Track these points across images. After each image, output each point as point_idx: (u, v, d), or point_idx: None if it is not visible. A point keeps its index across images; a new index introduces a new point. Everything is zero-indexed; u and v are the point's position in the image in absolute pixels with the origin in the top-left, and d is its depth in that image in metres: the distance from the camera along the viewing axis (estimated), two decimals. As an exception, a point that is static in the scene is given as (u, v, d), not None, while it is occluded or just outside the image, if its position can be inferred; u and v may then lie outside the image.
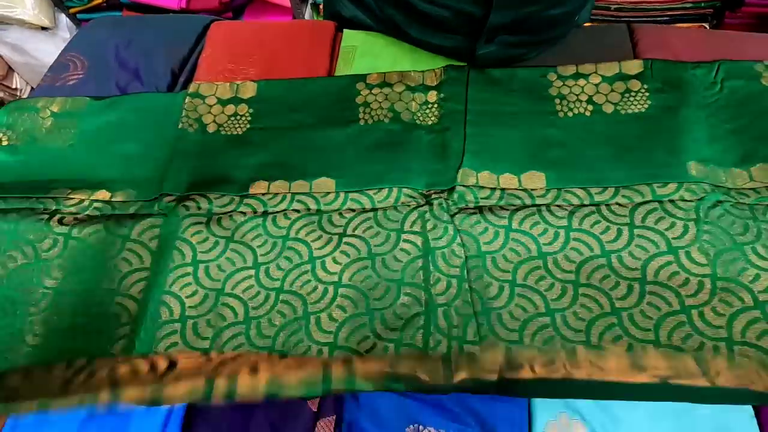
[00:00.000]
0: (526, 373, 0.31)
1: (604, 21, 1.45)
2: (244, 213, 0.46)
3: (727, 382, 0.30)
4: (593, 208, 0.43)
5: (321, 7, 1.54)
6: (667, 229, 0.41)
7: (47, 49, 1.54)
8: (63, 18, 1.55)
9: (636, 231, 0.42)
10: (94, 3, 1.50)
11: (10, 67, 1.65)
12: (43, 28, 1.50)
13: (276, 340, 0.39)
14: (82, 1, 1.48)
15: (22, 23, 1.45)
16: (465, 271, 0.41)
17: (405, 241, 0.43)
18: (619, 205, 0.43)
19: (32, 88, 1.74)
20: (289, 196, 0.46)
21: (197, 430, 0.37)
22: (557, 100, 0.50)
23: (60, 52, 0.60)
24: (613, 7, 1.40)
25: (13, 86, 1.68)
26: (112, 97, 0.54)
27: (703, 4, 1.39)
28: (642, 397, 0.34)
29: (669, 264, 0.40)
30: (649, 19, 1.41)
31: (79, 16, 1.55)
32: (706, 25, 1.48)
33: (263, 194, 0.47)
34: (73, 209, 0.47)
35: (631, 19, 1.41)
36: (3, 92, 1.66)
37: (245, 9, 1.61)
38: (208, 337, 0.39)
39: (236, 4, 1.60)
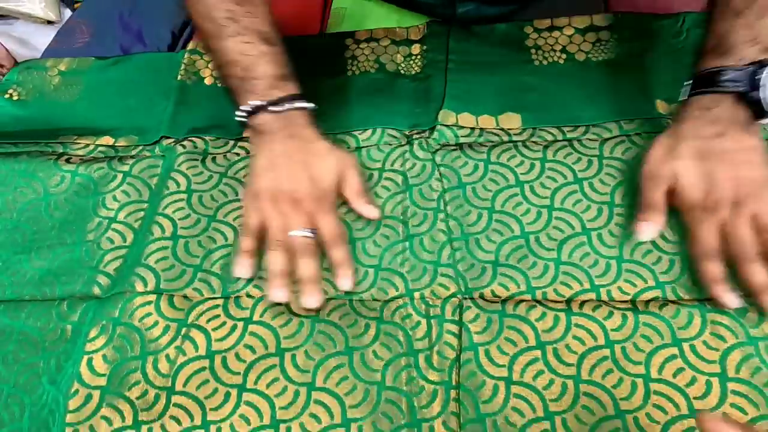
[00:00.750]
0: None
1: None
2: (237, 154, 0.49)
3: None
4: (566, 143, 0.46)
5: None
6: (632, 158, 0.44)
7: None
8: (67, 12, 1.60)
9: (605, 161, 0.44)
10: (99, -2, 1.54)
11: (15, 61, 1.71)
12: (49, 22, 1.55)
13: (263, 259, 0.41)
14: (87, -3, 1.54)
15: (28, 17, 1.51)
16: (441, 203, 0.44)
17: (386, 178, 0.46)
18: (590, 140, 0.46)
19: (38, 82, 1.80)
20: (280, 139, 0.50)
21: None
22: (533, 51, 0.53)
23: (68, 19, 0.64)
24: None
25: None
26: (117, 57, 0.58)
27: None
28: None
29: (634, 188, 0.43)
30: None
31: (84, 10, 1.60)
32: None
33: (255, 137, 0.50)
34: (79, 152, 0.50)
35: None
36: (10, 86, 1.72)
37: None
38: (198, 255, 0.42)
39: None
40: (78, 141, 0.51)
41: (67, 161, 0.48)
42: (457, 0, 0.53)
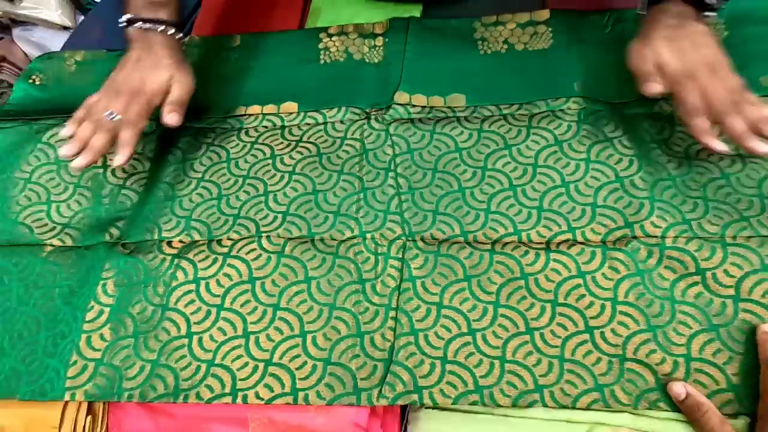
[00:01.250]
0: None
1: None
2: (224, 129, 0.57)
3: None
4: (501, 117, 0.54)
5: None
6: (555, 128, 0.52)
7: (67, 49, 1.71)
8: (81, 19, 1.72)
9: (532, 131, 0.53)
10: (111, 6, 1.65)
11: (33, 66, 1.82)
12: (65, 28, 1.67)
13: (241, 210, 0.50)
14: (100, 5, 1.65)
15: (46, 23, 1.62)
16: (392, 164, 0.52)
17: (347, 145, 0.54)
18: (521, 114, 0.54)
19: (53, 85, 1.91)
20: (260, 116, 0.58)
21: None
22: (480, 42, 0.61)
23: (84, 19, 0.73)
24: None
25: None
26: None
27: None
28: None
29: (555, 152, 0.51)
30: None
31: (97, 17, 1.71)
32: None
33: (241, 115, 0.59)
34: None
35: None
36: (26, 89, 1.83)
37: None
38: (189, 209, 0.51)
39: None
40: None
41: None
42: None
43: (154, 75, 0.51)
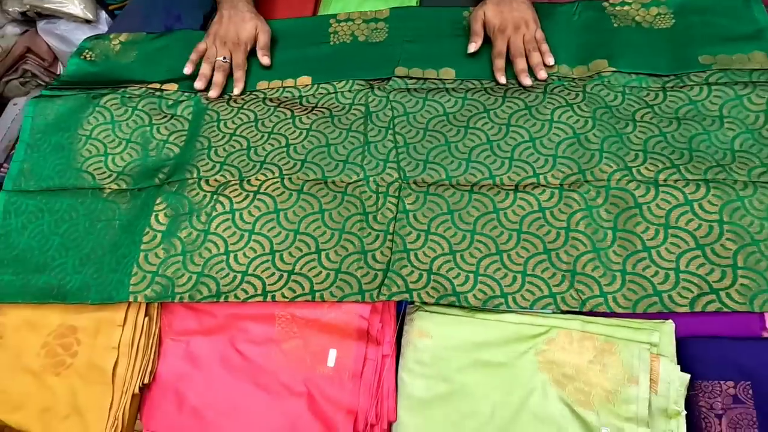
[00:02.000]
0: None
1: None
2: (252, 98, 0.68)
3: None
4: (482, 90, 0.65)
5: None
6: (526, 98, 0.63)
7: (88, 41, 1.82)
8: (102, 14, 1.83)
9: (506, 99, 0.63)
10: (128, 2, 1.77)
11: (55, 56, 1.93)
12: (87, 22, 1.78)
13: (267, 157, 0.61)
14: (119, 0, 1.77)
15: (69, 17, 1.73)
16: (391, 124, 0.63)
17: (354, 109, 0.65)
18: (499, 87, 0.65)
19: (73, 75, 2.02)
20: (281, 89, 0.69)
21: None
22: (468, 29, 0.72)
23: (125, 7, 0.84)
24: None
25: (58, 72, 1.95)
26: (162, 32, 0.78)
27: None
28: None
29: (525, 115, 0.62)
30: None
31: (116, 12, 1.82)
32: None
33: (264, 89, 0.69)
34: (136, 92, 0.69)
35: None
36: (48, 77, 1.94)
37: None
38: (222, 156, 0.62)
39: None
40: (135, 85, 0.71)
41: (129, 98, 0.68)
42: None
43: (245, 27, 0.70)
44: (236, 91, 0.68)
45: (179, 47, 0.76)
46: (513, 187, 0.57)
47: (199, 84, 0.68)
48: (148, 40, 0.77)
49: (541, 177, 0.57)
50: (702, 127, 0.58)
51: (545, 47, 0.66)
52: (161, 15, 0.80)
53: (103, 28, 1.85)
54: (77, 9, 1.72)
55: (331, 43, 0.73)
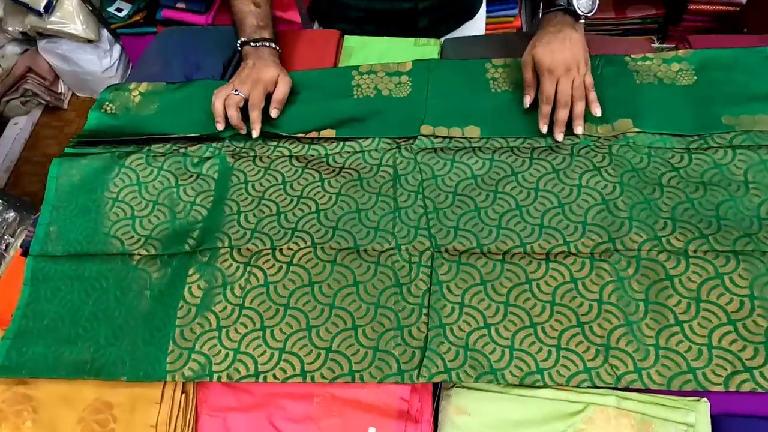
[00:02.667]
0: None
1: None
2: (277, 155, 0.68)
3: None
4: (509, 149, 0.65)
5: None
6: (553, 160, 0.63)
7: (90, 59, 1.82)
8: (105, 32, 1.82)
9: (534, 161, 0.64)
10: (133, 20, 1.76)
11: (56, 75, 1.91)
12: (89, 41, 1.76)
13: (298, 224, 0.61)
14: (122, 18, 1.75)
15: (71, 37, 1.72)
16: (420, 188, 0.63)
17: (382, 171, 0.65)
18: (525, 147, 0.65)
19: (73, 93, 2.00)
20: (307, 145, 0.69)
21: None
22: (491, 82, 0.72)
23: (143, 52, 0.83)
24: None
25: (59, 91, 1.95)
26: (182, 82, 0.77)
27: (648, 20, 1.64)
28: None
29: (553, 179, 0.62)
30: (603, 32, 1.66)
31: (119, 31, 1.82)
32: (654, 38, 1.73)
33: (290, 143, 0.69)
34: (159, 149, 0.69)
35: (589, 31, 1.66)
36: (49, 96, 1.93)
37: (262, 25, 1.85)
38: (253, 222, 0.62)
39: (254, 21, 1.84)
40: (159, 141, 0.70)
41: (154, 158, 0.67)
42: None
43: (268, 71, 0.70)
44: (254, 133, 0.67)
45: (200, 98, 0.75)
46: (544, 256, 0.57)
47: (218, 126, 0.68)
48: (168, 91, 0.77)
49: (571, 245, 0.58)
50: (728, 193, 0.59)
51: (593, 96, 0.64)
52: (180, 62, 0.80)
53: (105, 46, 1.84)
54: (79, 29, 1.71)
55: (355, 96, 0.73)
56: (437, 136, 0.67)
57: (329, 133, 0.69)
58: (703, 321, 0.52)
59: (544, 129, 0.64)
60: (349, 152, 0.67)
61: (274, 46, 0.73)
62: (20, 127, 1.84)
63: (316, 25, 1.81)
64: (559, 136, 0.64)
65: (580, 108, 0.64)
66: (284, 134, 0.69)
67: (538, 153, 0.64)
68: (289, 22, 1.72)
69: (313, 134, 0.69)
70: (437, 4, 0.84)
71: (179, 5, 1.68)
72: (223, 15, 1.71)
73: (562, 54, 0.62)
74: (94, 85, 1.91)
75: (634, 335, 0.52)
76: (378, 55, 0.78)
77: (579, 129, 0.64)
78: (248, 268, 0.58)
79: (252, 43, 0.72)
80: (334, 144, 0.68)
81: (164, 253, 0.61)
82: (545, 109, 0.64)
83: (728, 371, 0.50)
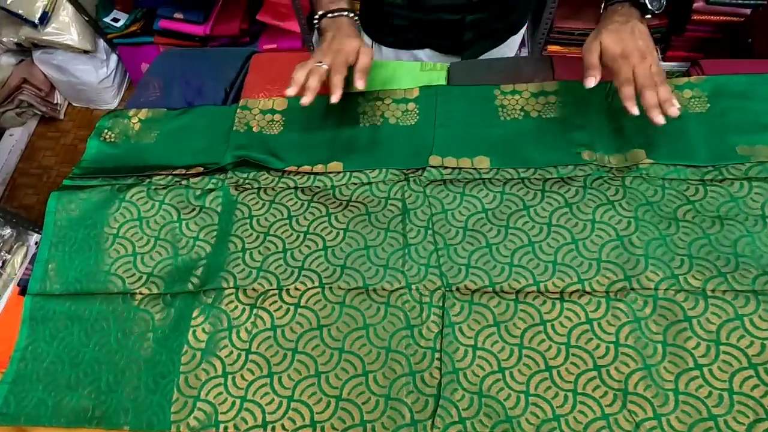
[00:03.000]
0: None
1: (568, 45, 1.69)
2: (282, 187, 0.66)
3: None
4: (519, 181, 0.64)
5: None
6: (565, 193, 0.62)
7: (86, 69, 1.79)
8: (101, 42, 1.79)
9: (546, 194, 0.62)
10: (130, 30, 1.74)
11: (52, 86, 1.88)
12: (85, 52, 1.73)
13: (304, 262, 0.59)
14: (119, 29, 1.73)
15: (67, 47, 1.69)
16: (430, 223, 0.61)
17: (390, 204, 0.63)
18: (536, 179, 0.64)
19: (70, 103, 1.97)
20: (312, 176, 0.67)
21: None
22: (500, 109, 0.71)
23: (144, 74, 0.81)
24: (576, 32, 1.64)
25: (54, 102, 1.92)
26: (183, 108, 0.75)
27: (651, 31, 1.62)
28: None
29: (566, 213, 0.61)
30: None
31: (115, 41, 1.79)
32: (657, 48, 1.72)
33: (295, 174, 0.67)
34: (161, 182, 0.67)
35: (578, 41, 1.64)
36: (45, 107, 1.90)
37: (261, 34, 1.85)
38: (258, 260, 0.60)
39: (253, 30, 1.85)
40: (160, 173, 0.68)
41: (156, 191, 0.66)
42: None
43: (349, 42, 0.66)
44: (333, 99, 0.62)
45: (202, 126, 0.74)
46: (558, 295, 0.56)
47: (290, 90, 0.63)
48: (168, 118, 0.75)
49: (586, 283, 0.57)
50: (745, 228, 0.58)
51: (667, 85, 0.59)
52: (181, 87, 0.78)
53: (102, 57, 1.82)
54: (74, 39, 1.68)
55: (361, 125, 0.71)
56: (446, 167, 0.66)
57: (337, 166, 0.67)
58: (723, 365, 0.51)
59: (635, 110, 0.58)
60: (356, 184, 0.66)
61: (351, 15, 0.71)
62: (16, 138, 1.82)
63: (315, 36, 1.79)
64: (660, 118, 0.56)
65: (665, 92, 0.58)
66: (291, 170, 0.67)
67: (550, 185, 0.63)
68: (288, 33, 1.70)
69: (320, 167, 0.67)
70: (486, 19, 0.82)
71: (177, 15, 1.66)
72: (221, 25, 1.69)
73: (633, 42, 0.59)
74: (90, 95, 1.89)
75: (652, 379, 0.51)
76: (382, 80, 0.76)
77: (674, 110, 0.57)
78: (254, 311, 0.56)
79: (330, 15, 0.70)
80: (341, 175, 0.67)
81: (167, 292, 0.59)
82: (628, 90, 0.58)
83: (750, 419, 0.49)
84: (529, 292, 0.57)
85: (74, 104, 1.97)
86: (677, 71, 1.57)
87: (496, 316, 0.55)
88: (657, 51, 0.63)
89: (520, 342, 0.54)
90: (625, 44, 0.59)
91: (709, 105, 0.68)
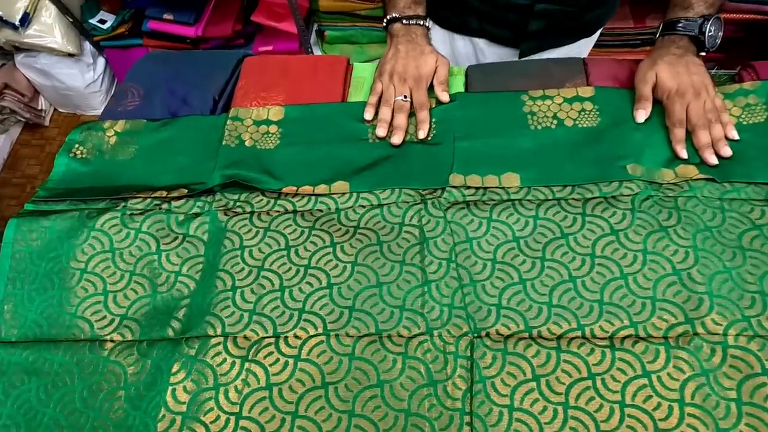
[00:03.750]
0: None
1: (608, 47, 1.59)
2: (278, 211, 0.57)
3: None
4: (555, 202, 0.55)
5: (325, 34, 1.70)
6: (610, 217, 0.53)
7: (72, 73, 1.69)
8: (87, 45, 1.70)
9: (587, 218, 0.53)
10: (117, 32, 1.64)
11: (36, 90, 1.78)
12: (70, 55, 1.64)
13: (305, 304, 0.50)
14: (106, 30, 1.63)
15: (50, 50, 1.59)
16: (452, 255, 0.52)
17: (405, 232, 0.54)
18: (574, 199, 0.55)
19: (55, 109, 1.88)
20: (313, 198, 0.58)
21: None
22: (529, 117, 0.62)
23: (122, 82, 0.72)
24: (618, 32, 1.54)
25: (38, 107, 1.82)
26: (165, 119, 0.66)
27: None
28: None
29: (612, 242, 0.52)
30: (622, 42, 1.57)
31: (102, 43, 1.70)
32: (714, 81, 1.63)
33: (293, 196, 0.58)
34: (138, 206, 0.58)
35: (608, 42, 1.56)
36: (29, 113, 1.80)
37: (255, 36, 1.76)
38: (252, 301, 0.51)
39: (247, 32, 1.76)
40: (137, 196, 0.59)
41: (131, 217, 0.56)
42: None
43: (425, 62, 0.64)
44: (421, 134, 0.61)
45: (186, 139, 0.64)
46: (608, 342, 0.47)
47: (380, 131, 0.61)
48: (148, 131, 0.65)
49: (639, 327, 0.48)
50: (825, 259, 0.49)
51: (727, 117, 0.59)
52: (163, 95, 0.68)
53: (88, 60, 1.72)
54: (58, 42, 1.58)
55: (370, 140, 0.62)
56: (469, 187, 0.57)
57: (342, 186, 0.58)
58: (813, 429, 0.42)
59: (684, 154, 0.56)
60: (364, 207, 0.56)
61: (427, 25, 0.67)
62: (-3, 146, 1.72)
63: (313, 37, 1.70)
64: (713, 158, 0.56)
65: (719, 130, 0.57)
66: (289, 191, 0.58)
67: (591, 207, 0.54)
68: (284, 34, 1.61)
69: (323, 188, 0.58)
70: (559, 12, 0.72)
71: (166, 16, 1.56)
72: (214, 27, 1.59)
73: (689, 77, 0.58)
74: (77, 100, 1.79)
75: (726, 447, 0.42)
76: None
77: (726, 150, 0.56)
78: (246, 365, 0.47)
79: (405, 21, 0.65)
80: (347, 197, 0.57)
81: (143, 339, 0.50)
82: (680, 132, 0.58)
83: None
84: (572, 339, 0.48)
85: (60, 110, 1.87)
86: (723, 75, 1.48)
87: (535, 368, 0.46)
88: (713, 85, 0.60)
89: (565, 401, 0.45)
90: (681, 79, 0.58)
91: (767, 114, 0.60)
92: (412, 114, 0.63)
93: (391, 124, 0.62)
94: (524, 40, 0.75)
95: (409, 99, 0.62)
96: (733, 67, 1.51)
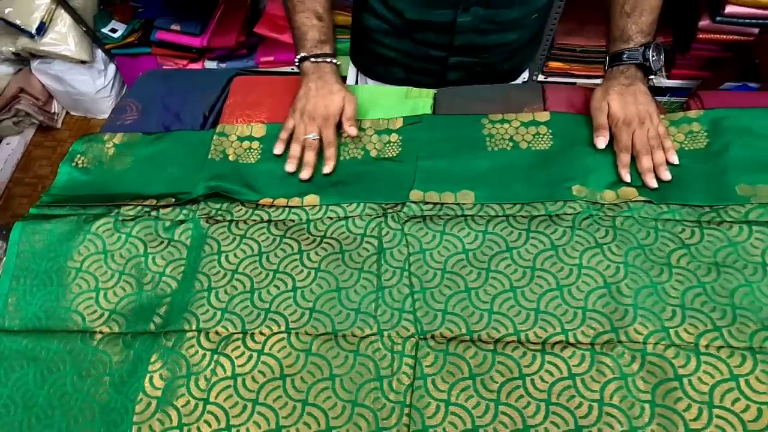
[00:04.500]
0: None
1: (571, 61, 1.65)
2: (254, 220, 0.63)
3: None
4: (504, 218, 0.60)
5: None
6: (552, 233, 0.58)
7: (84, 80, 1.78)
8: (99, 53, 1.78)
9: (531, 234, 0.59)
10: (127, 41, 1.73)
11: (50, 95, 1.88)
12: (82, 62, 1.72)
13: (272, 304, 0.56)
14: (117, 39, 1.72)
15: (64, 58, 1.68)
16: (407, 264, 0.58)
17: (366, 242, 0.60)
18: (522, 216, 0.60)
19: (67, 112, 1.97)
20: (287, 209, 0.64)
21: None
22: (487, 139, 0.67)
23: (122, 97, 0.79)
24: (578, 49, 1.60)
25: (52, 111, 1.92)
26: (159, 133, 0.73)
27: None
28: None
29: (551, 257, 0.57)
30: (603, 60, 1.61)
31: (113, 51, 1.79)
32: (659, 107, 1.69)
33: (268, 207, 0.64)
34: (130, 212, 0.64)
35: (593, 59, 1.60)
36: (42, 116, 1.89)
37: (258, 47, 1.84)
38: (224, 300, 0.57)
39: (250, 42, 1.84)
40: (130, 203, 0.66)
41: (123, 223, 0.63)
42: (458, 10, 0.72)
43: (332, 101, 0.67)
44: (327, 169, 0.66)
45: (177, 152, 0.71)
46: (540, 347, 0.52)
47: (290, 167, 0.66)
48: (144, 143, 0.72)
49: (570, 334, 0.53)
50: (744, 277, 0.54)
51: (669, 143, 0.64)
52: (159, 111, 0.75)
53: (99, 67, 1.81)
54: (72, 50, 1.67)
55: (341, 157, 0.68)
56: (427, 203, 0.62)
57: (313, 199, 0.64)
58: (716, 430, 0.47)
59: (627, 178, 0.62)
60: (332, 218, 0.62)
61: (335, 62, 0.70)
62: (12, 147, 1.81)
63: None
64: (653, 182, 0.61)
65: (660, 156, 0.63)
66: (265, 203, 0.64)
67: (536, 224, 0.59)
68: (285, 45, 1.68)
69: (296, 200, 0.64)
70: (474, 64, 0.79)
71: (174, 27, 1.65)
72: (218, 37, 1.67)
73: (635, 107, 0.64)
74: (88, 104, 1.88)
75: (638, 444, 0.47)
76: (366, 106, 0.73)
77: (666, 175, 0.62)
78: (215, 357, 0.53)
79: (313, 59, 0.68)
80: (317, 209, 0.63)
81: (128, 332, 0.57)
82: (625, 158, 0.63)
83: None
84: (508, 342, 0.53)
85: (72, 113, 1.97)
86: (674, 103, 1.53)
87: (472, 368, 0.52)
88: (658, 113, 0.65)
89: (496, 397, 0.50)
90: (628, 110, 0.64)
91: (708, 140, 0.64)
92: (384, 131, 0.69)
93: (301, 159, 0.67)
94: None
95: (318, 137, 0.66)
96: (717, 86, 1.54)
